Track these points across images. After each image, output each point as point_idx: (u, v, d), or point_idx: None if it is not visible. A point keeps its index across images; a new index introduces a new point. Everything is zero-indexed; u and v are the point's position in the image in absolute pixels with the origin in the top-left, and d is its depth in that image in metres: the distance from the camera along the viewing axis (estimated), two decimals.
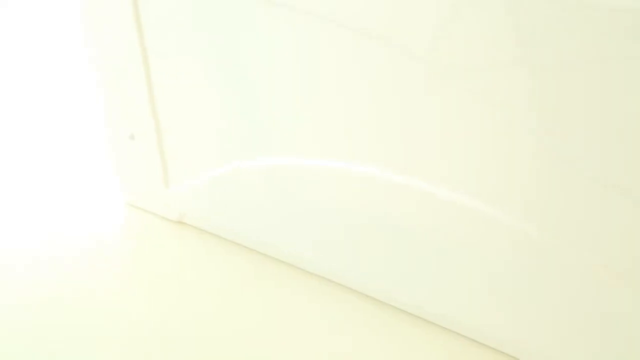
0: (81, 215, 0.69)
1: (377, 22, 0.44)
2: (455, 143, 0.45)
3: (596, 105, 0.38)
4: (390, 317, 0.55)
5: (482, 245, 0.47)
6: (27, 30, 1.03)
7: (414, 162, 0.48)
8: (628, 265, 0.41)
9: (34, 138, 0.83)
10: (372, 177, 0.50)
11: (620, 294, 0.42)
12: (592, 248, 0.42)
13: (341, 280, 0.58)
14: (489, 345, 0.51)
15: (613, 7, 0.35)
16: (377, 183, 0.50)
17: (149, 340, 0.54)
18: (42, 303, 0.57)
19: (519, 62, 0.40)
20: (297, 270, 0.60)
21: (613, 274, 0.42)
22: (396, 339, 0.53)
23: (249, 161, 0.57)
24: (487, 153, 0.44)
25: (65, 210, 0.70)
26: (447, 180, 0.47)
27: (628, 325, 0.43)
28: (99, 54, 0.62)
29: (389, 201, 0.50)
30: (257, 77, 0.52)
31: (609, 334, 0.44)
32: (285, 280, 0.59)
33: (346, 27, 0.45)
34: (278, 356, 0.52)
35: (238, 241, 0.64)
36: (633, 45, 0.36)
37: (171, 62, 0.57)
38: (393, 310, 0.55)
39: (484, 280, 0.48)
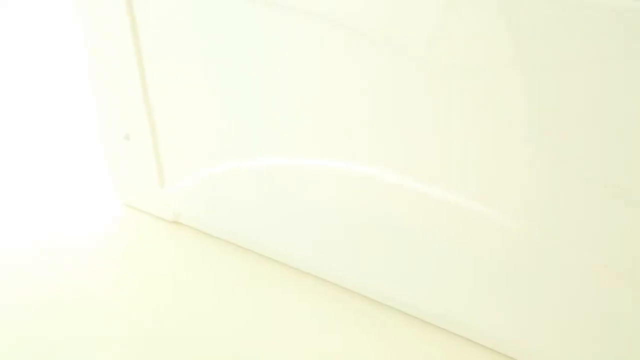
0: (77, 215, 0.69)
1: (376, 23, 0.44)
2: (454, 143, 0.45)
3: (595, 105, 0.38)
4: (386, 317, 0.55)
5: (482, 246, 0.47)
6: (27, 31, 1.03)
7: (412, 163, 0.48)
8: (628, 265, 0.41)
9: (30, 138, 0.83)
10: (371, 177, 0.50)
11: (620, 294, 0.42)
12: (592, 248, 0.42)
13: (338, 280, 0.58)
14: (487, 345, 0.51)
15: (613, 7, 0.35)
16: (377, 183, 0.50)
17: (144, 339, 0.53)
18: (38, 303, 0.57)
19: (518, 62, 0.40)
20: (292, 270, 0.60)
21: (613, 274, 0.42)
22: (392, 339, 0.53)
23: (244, 161, 0.57)
24: (487, 153, 0.44)
25: (61, 211, 0.69)
26: (445, 180, 0.47)
27: (628, 325, 0.43)
28: (94, 54, 0.61)
29: (388, 201, 0.50)
30: (256, 77, 0.52)
31: (609, 334, 0.44)
32: (280, 280, 0.59)
33: (345, 27, 0.45)
34: (273, 355, 0.52)
35: (233, 241, 0.64)
36: (632, 45, 0.36)
37: (167, 62, 0.57)
38: (389, 310, 0.55)
39: (483, 280, 0.48)
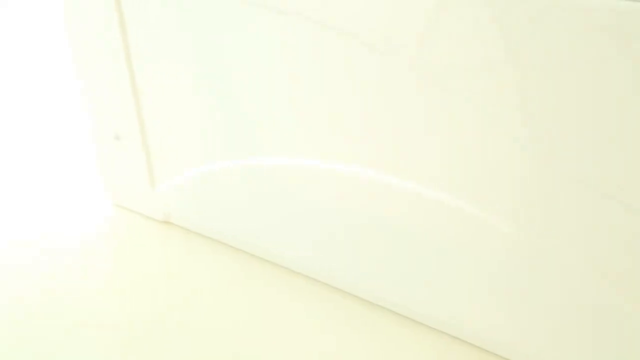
0: (67, 215, 0.69)
1: (367, 24, 0.44)
2: (447, 144, 0.45)
3: (589, 107, 0.38)
4: (378, 317, 0.55)
5: (478, 247, 0.47)
6: (27, 31, 1.03)
7: (409, 164, 0.47)
8: (627, 266, 0.41)
9: (20, 138, 0.83)
10: (366, 178, 0.50)
11: (620, 294, 0.42)
12: (592, 248, 0.42)
13: (330, 280, 0.58)
14: (484, 347, 0.51)
15: (611, 7, 0.35)
16: (373, 184, 0.50)
17: (135, 339, 0.53)
18: (27, 303, 0.57)
19: (510, 62, 0.40)
20: (284, 270, 0.60)
21: (613, 274, 0.42)
22: (383, 339, 0.53)
23: (235, 161, 0.57)
24: (480, 154, 0.44)
25: (51, 211, 0.69)
26: (439, 181, 0.46)
27: (627, 326, 0.43)
28: (83, 54, 0.61)
29: (383, 202, 0.50)
30: (245, 77, 0.52)
31: (609, 335, 0.44)
32: (272, 280, 0.59)
33: (336, 28, 0.45)
34: (265, 355, 0.52)
35: (224, 241, 0.64)
36: (627, 46, 0.36)
37: (156, 62, 0.57)
38: (380, 310, 0.55)
39: (480, 281, 0.48)
